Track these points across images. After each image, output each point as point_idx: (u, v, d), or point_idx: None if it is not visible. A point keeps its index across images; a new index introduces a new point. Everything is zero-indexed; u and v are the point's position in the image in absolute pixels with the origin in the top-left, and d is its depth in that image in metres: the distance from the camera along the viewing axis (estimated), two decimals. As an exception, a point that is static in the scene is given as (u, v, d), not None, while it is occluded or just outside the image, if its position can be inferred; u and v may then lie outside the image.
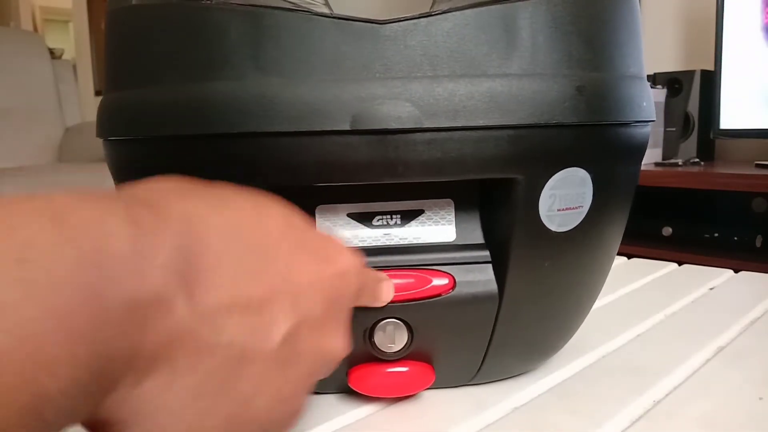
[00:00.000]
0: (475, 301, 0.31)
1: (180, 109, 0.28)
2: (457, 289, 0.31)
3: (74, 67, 3.02)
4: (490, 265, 0.32)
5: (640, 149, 0.34)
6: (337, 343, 0.23)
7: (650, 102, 0.33)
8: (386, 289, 0.29)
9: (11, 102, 2.30)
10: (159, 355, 0.17)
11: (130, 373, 0.16)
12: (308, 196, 0.31)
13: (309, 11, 0.27)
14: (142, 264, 0.16)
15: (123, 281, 0.15)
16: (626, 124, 0.31)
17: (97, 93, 3.59)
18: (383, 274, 0.30)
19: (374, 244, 0.32)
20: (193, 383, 0.18)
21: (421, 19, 0.27)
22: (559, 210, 0.30)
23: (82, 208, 0.15)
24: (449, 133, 0.27)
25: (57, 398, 0.14)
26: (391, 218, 0.32)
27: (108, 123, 0.32)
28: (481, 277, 0.31)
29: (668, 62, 1.67)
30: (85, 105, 3.20)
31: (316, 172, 0.27)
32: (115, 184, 0.34)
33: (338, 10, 0.27)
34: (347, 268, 0.24)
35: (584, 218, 0.31)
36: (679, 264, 0.67)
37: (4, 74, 2.29)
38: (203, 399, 0.18)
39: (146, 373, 0.17)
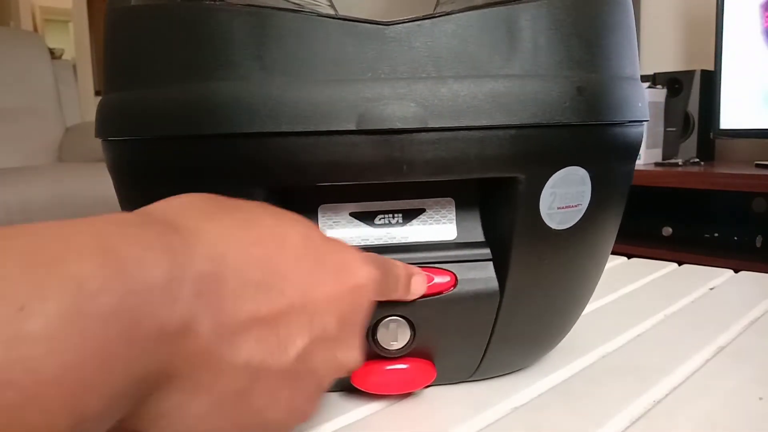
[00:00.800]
0: (476, 298, 0.32)
1: (185, 109, 0.28)
2: (458, 286, 0.31)
3: (74, 67, 3.02)
4: (491, 263, 0.32)
5: (635, 148, 0.34)
6: (352, 356, 0.24)
7: (644, 102, 0.34)
8: (418, 283, 0.30)
9: (11, 102, 2.30)
10: (182, 373, 0.18)
11: (156, 391, 0.17)
12: (311, 195, 0.31)
13: (314, 12, 0.27)
14: (174, 293, 0.17)
15: (158, 309, 0.16)
16: (623, 124, 0.32)
17: (97, 93, 3.59)
18: (415, 268, 0.30)
19: (376, 243, 0.32)
20: (210, 399, 0.19)
21: (425, 21, 0.27)
22: (559, 208, 0.31)
23: (126, 241, 0.16)
24: (453, 132, 0.27)
25: (95, 417, 0.15)
26: (393, 217, 0.32)
27: (108, 123, 0.32)
28: (482, 275, 0.32)
29: (668, 62, 1.68)
30: (85, 105, 3.20)
31: (322, 172, 0.28)
32: (115, 185, 0.35)
33: (342, 12, 0.28)
34: (364, 281, 0.24)
35: (583, 216, 0.32)
36: (679, 264, 0.67)
37: (4, 74, 2.29)
38: (218, 413, 0.19)
39: (170, 391, 0.18)
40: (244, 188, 0.28)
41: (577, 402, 0.34)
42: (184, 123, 0.28)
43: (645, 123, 0.34)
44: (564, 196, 0.30)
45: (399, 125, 0.27)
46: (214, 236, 0.19)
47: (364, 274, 0.24)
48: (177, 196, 0.21)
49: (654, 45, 1.68)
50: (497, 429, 0.32)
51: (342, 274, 0.23)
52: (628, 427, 0.32)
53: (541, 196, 0.30)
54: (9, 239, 0.15)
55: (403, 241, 0.32)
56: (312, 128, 0.27)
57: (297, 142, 0.27)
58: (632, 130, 0.33)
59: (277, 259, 0.21)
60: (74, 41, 3.80)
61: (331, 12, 0.27)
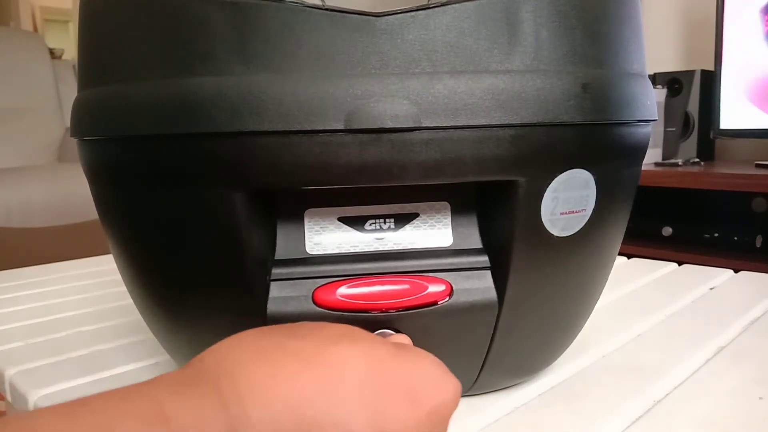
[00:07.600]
0: (473, 309, 0.30)
1: (160, 106, 0.26)
2: (454, 296, 0.29)
3: (74, 67, 3.00)
4: (488, 272, 0.30)
5: (642, 149, 0.33)
6: None
7: (653, 100, 0.32)
8: None
9: (11, 102, 2.29)
10: None
11: None
12: (297, 199, 0.30)
13: (300, 3, 0.25)
14: None
15: None
16: (631, 124, 0.30)
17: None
18: None
19: (366, 249, 0.30)
20: None
21: (419, 12, 0.25)
22: (561, 213, 0.29)
23: (183, 406, 0.17)
24: (449, 132, 0.26)
25: None
26: (385, 222, 0.31)
27: (83, 122, 0.31)
28: (479, 284, 0.30)
29: (668, 62, 1.66)
30: (81, 104, 3.18)
31: (307, 175, 0.26)
32: (90, 187, 0.33)
33: (331, 3, 0.26)
34: (442, 401, 0.22)
35: (587, 222, 0.30)
36: (679, 264, 0.68)
37: (4, 74, 2.28)
38: None
39: None
40: (223, 191, 0.27)
41: (577, 402, 0.34)
42: (159, 121, 0.26)
43: (652, 122, 0.33)
44: (567, 200, 0.29)
45: (390, 124, 0.25)
46: (266, 384, 0.19)
47: (442, 393, 0.22)
48: (229, 341, 0.21)
49: (654, 45, 1.67)
50: (497, 428, 0.31)
51: (418, 397, 0.21)
52: (628, 427, 0.31)
53: (543, 200, 0.28)
54: (76, 417, 0.16)
55: (395, 247, 0.30)
56: (296, 127, 0.25)
57: (280, 142, 0.25)
58: (640, 130, 0.31)
59: (337, 393, 0.20)
60: (74, 41, 3.79)
61: (318, 2, 0.26)
